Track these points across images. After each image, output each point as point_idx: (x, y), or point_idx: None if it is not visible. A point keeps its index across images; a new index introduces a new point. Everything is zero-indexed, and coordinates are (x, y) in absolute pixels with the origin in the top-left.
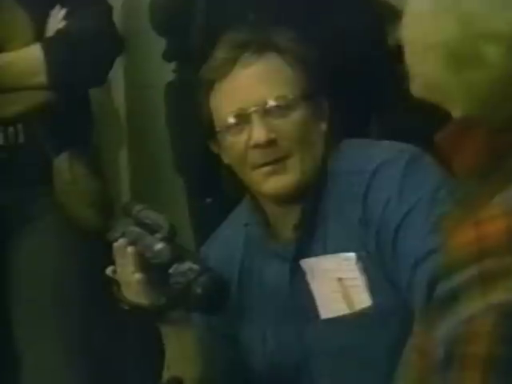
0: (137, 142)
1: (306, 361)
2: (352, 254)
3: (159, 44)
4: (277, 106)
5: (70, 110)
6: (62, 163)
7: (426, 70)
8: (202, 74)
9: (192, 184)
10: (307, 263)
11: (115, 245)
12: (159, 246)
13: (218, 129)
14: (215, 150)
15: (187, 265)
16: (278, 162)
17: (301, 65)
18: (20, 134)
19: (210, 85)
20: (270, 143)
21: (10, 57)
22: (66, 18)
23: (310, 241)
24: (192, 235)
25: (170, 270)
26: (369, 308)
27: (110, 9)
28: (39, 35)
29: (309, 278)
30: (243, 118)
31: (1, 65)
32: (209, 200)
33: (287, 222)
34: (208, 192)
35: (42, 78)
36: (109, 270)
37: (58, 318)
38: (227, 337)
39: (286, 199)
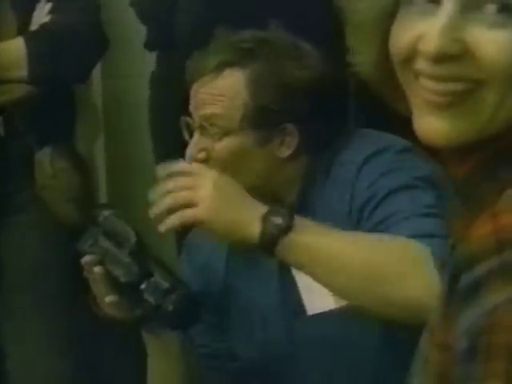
0: (113, 132)
1: (294, 354)
2: None
3: (136, 33)
4: (212, 129)
5: (53, 104)
6: (44, 157)
7: None
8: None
9: None
10: None
11: (83, 260)
12: (126, 263)
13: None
14: None
15: (156, 282)
16: None
17: (268, 90)
18: (0, 127)
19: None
20: (201, 161)
21: None
22: (51, 12)
23: None
24: None
25: (142, 287)
26: None
27: (97, 6)
28: (24, 29)
29: (295, 273)
30: (191, 129)
31: None
32: None
33: None
34: None
35: (23, 72)
36: (86, 273)
37: (42, 311)
38: (214, 327)
39: None
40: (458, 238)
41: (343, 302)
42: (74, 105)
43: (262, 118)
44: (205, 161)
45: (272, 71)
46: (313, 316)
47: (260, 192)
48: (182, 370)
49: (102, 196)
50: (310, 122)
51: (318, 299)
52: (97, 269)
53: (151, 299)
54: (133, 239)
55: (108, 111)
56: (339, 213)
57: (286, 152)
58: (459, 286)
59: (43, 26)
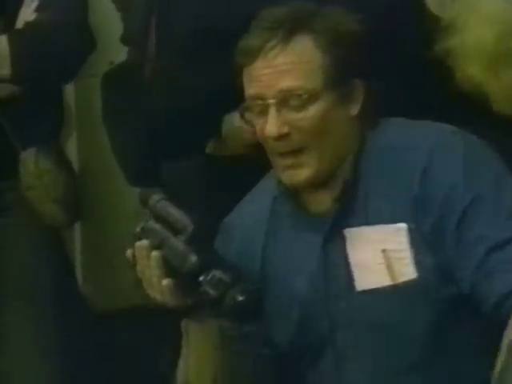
0: (86, 131)
1: (333, 332)
2: (403, 225)
3: (108, 32)
4: (295, 100)
5: (39, 103)
6: (28, 157)
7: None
8: (235, 55)
9: (132, 176)
10: (350, 233)
11: (137, 244)
12: (183, 251)
13: (246, 105)
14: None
15: (218, 274)
16: (293, 154)
17: (335, 46)
18: None
19: (240, 66)
20: (282, 137)
21: None
22: (37, 10)
23: (348, 214)
24: None
25: (200, 279)
26: (412, 281)
27: (85, 4)
28: (10, 27)
29: (349, 248)
30: (262, 108)
31: None
32: None
33: (321, 195)
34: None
35: (6, 71)
36: (128, 253)
37: (29, 312)
38: None
39: (305, 188)
40: None
41: (399, 279)
42: (62, 106)
43: (338, 75)
44: (288, 134)
45: (331, 28)
46: (361, 292)
47: (335, 161)
48: (218, 362)
49: None
50: (369, 78)
51: (371, 275)
52: (155, 254)
53: (211, 292)
54: (189, 227)
55: (81, 110)
56: (399, 196)
57: (356, 109)
58: None
59: (28, 25)
